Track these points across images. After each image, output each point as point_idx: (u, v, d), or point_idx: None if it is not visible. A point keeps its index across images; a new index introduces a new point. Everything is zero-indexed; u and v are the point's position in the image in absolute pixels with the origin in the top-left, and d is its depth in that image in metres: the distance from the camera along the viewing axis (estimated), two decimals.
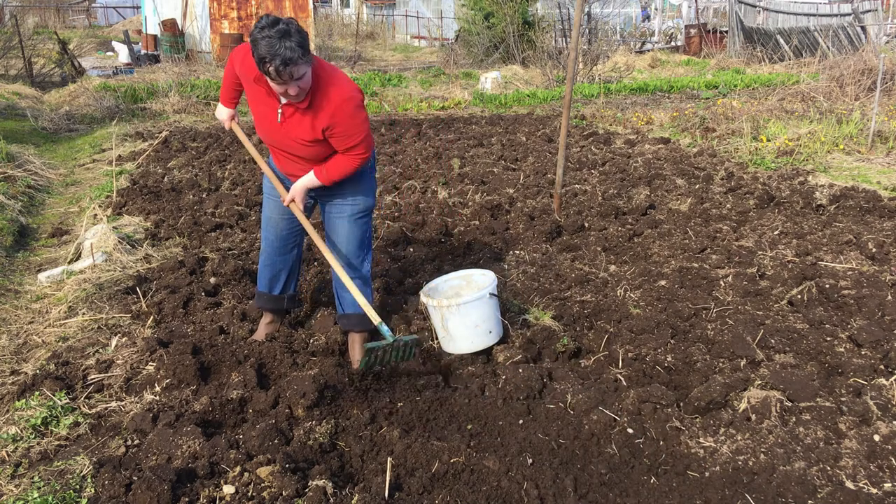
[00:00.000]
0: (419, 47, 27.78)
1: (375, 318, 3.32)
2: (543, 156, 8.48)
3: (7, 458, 2.81)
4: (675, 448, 2.91)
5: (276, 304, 3.84)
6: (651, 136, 9.81)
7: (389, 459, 2.76)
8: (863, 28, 17.74)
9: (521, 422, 3.13)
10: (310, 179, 3.36)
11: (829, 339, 3.69)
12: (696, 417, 3.11)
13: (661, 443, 2.94)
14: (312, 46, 19.73)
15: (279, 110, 3.20)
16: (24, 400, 3.17)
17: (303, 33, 2.96)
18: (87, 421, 3.06)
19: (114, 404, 3.20)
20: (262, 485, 2.59)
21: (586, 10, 18.54)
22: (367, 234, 3.62)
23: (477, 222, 5.92)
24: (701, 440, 2.96)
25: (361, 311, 3.64)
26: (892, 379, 3.29)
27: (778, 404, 3.08)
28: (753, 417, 3.06)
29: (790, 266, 4.70)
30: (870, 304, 4.03)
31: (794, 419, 3.04)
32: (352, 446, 2.92)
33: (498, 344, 3.66)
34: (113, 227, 5.41)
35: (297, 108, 3.15)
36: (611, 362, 3.59)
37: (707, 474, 2.77)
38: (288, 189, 3.48)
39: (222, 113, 3.73)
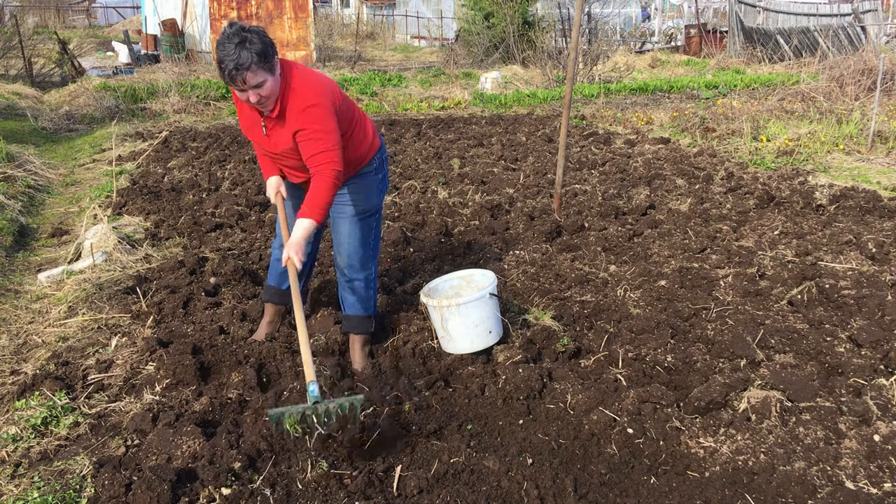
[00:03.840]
0: (419, 47, 27.79)
1: (310, 375, 2.81)
2: (543, 156, 8.49)
3: (7, 458, 2.81)
4: (675, 448, 2.91)
5: (282, 299, 3.85)
6: (651, 136, 9.81)
7: (399, 467, 2.76)
8: (863, 28, 17.74)
9: (521, 422, 3.13)
10: (303, 227, 3.10)
11: (829, 339, 3.69)
12: (696, 417, 3.11)
13: (661, 443, 2.94)
14: (312, 46, 19.75)
15: (262, 123, 3.21)
16: (24, 400, 3.17)
17: (266, 42, 2.95)
18: (87, 421, 3.06)
19: (114, 404, 3.20)
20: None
21: (586, 10, 18.54)
22: (372, 235, 3.60)
23: (477, 222, 5.92)
24: (701, 440, 2.96)
25: (362, 314, 3.64)
26: (892, 379, 3.29)
27: (778, 404, 3.08)
28: (753, 417, 3.06)
29: (790, 266, 4.70)
30: (870, 304, 4.03)
31: (794, 419, 3.04)
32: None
33: (498, 344, 3.65)
34: (113, 227, 5.41)
35: (275, 118, 3.16)
36: (611, 362, 3.59)
37: (707, 474, 2.77)
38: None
39: (270, 186, 3.53)
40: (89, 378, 3.40)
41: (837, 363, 3.47)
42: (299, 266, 3.12)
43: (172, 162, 8.15)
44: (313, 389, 2.75)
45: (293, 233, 3.13)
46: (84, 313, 4.15)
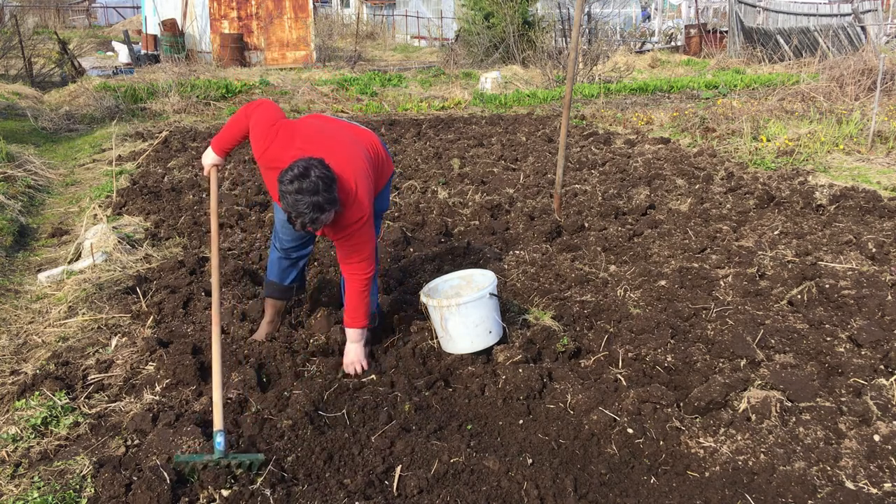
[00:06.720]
0: (419, 47, 27.78)
1: (218, 424, 2.72)
2: (543, 156, 8.49)
3: (7, 458, 2.81)
4: (675, 448, 2.91)
5: (286, 294, 3.88)
6: (651, 136, 9.81)
7: (399, 467, 2.76)
8: (863, 28, 17.74)
9: (521, 422, 3.13)
10: (356, 335, 3.44)
11: (829, 339, 3.69)
12: (696, 417, 3.11)
13: (661, 443, 2.94)
14: (312, 46, 19.76)
15: None
16: (24, 400, 3.17)
17: (330, 183, 2.92)
18: (87, 421, 3.06)
19: (114, 404, 3.20)
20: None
21: (586, 10, 18.55)
22: (375, 236, 3.64)
23: (477, 222, 5.92)
24: (701, 440, 2.96)
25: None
26: (892, 379, 3.29)
27: (778, 404, 3.08)
28: (753, 417, 3.06)
29: (790, 266, 4.70)
30: (870, 304, 4.02)
31: (794, 419, 3.04)
32: (352, 448, 2.92)
33: (498, 344, 3.65)
34: (113, 227, 5.41)
35: None
36: (611, 362, 3.59)
37: (707, 474, 2.77)
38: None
39: (209, 158, 3.66)
40: (89, 378, 3.40)
41: (837, 363, 3.47)
42: (363, 369, 3.46)
43: (172, 162, 8.15)
44: (220, 442, 2.65)
45: (349, 342, 3.46)
46: (84, 313, 4.15)
